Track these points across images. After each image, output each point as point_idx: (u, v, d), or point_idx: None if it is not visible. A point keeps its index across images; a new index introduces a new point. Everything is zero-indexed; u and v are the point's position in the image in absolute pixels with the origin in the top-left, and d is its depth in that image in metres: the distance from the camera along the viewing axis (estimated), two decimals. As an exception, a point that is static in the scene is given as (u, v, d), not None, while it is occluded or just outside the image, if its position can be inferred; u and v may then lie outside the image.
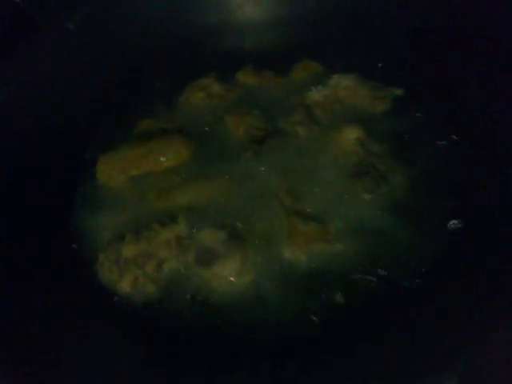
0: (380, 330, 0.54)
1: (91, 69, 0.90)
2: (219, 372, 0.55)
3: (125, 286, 0.66)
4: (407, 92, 0.80)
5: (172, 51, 0.94)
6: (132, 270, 0.66)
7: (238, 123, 0.81)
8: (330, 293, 0.61)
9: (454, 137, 0.72)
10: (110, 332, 0.62)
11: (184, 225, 0.69)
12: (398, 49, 0.84)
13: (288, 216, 0.67)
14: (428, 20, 0.84)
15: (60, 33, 0.93)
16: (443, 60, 0.80)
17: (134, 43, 0.95)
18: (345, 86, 0.81)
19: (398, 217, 0.66)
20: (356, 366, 0.50)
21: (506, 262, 0.52)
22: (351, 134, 0.74)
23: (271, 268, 0.64)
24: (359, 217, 0.67)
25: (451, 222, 0.63)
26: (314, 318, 0.59)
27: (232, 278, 0.64)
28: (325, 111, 0.79)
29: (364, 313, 0.58)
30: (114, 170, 0.79)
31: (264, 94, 0.87)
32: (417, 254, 0.62)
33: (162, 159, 0.78)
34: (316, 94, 0.81)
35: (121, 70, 0.92)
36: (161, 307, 0.64)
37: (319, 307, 0.60)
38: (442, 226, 0.63)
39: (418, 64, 0.81)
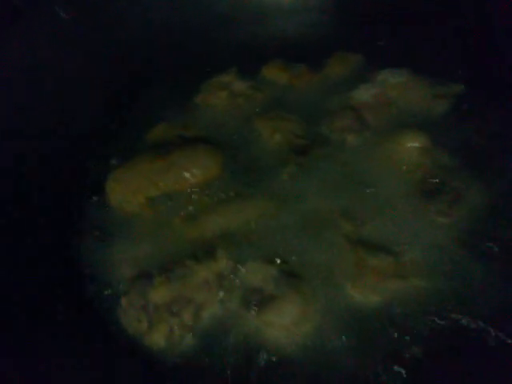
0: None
1: (91, 64, 0.77)
2: None
3: (157, 339, 0.55)
4: (473, 88, 0.69)
5: (184, 43, 0.82)
6: (165, 319, 0.55)
7: (273, 129, 0.71)
8: (409, 342, 0.51)
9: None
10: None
11: (224, 260, 0.58)
12: (452, 40, 0.73)
13: (351, 246, 0.57)
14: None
15: (50, 22, 0.79)
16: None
17: (140, 35, 0.82)
18: (396, 83, 0.71)
19: (484, 246, 0.56)
20: None
21: None
22: (413, 143, 0.64)
23: (336, 312, 0.54)
24: (437, 246, 0.57)
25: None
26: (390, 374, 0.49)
27: (290, 327, 0.53)
28: (376, 114, 0.70)
29: (452, 369, 0.49)
30: (128, 190, 0.67)
31: (298, 94, 0.76)
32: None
33: (186, 175, 0.67)
34: (363, 93, 0.71)
35: (126, 66, 0.80)
36: (201, 364, 0.53)
37: (396, 360, 0.50)
38: None
39: (479, 58, 0.71)
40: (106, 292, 0.61)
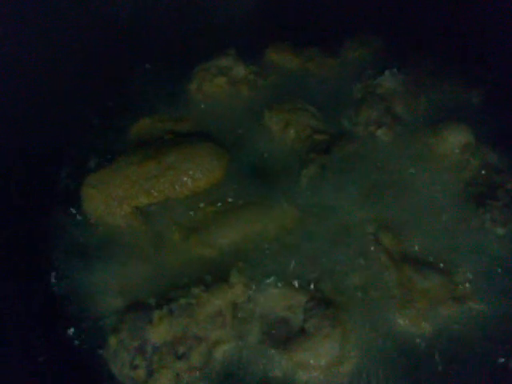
0: None
1: (72, 48, 0.66)
2: None
3: (160, 388, 0.45)
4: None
5: (176, 22, 0.72)
6: (169, 364, 0.45)
7: (286, 123, 0.62)
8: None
9: None
10: None
11: (240, 285, 0.49)
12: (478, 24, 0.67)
13: (395, 264, 0.49)
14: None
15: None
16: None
17: (127, 11, 0.70)
18: (430, 70, 0.63)
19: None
20: None
21: None
22: (456, 138, 0.57)
23: (381, 347, 0.46)
24: (494, 261, 0.49)
25: None
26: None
27: (327, 368, 0.45)
28: (408, 104, 0.61)
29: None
30: (111, 199, 0.57)
31: (312, 81, 0.68)
32: None
33: (185, 179, 0.57)
34: (391, 80, 0.62)
35: (111, 48, 0.68)
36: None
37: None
38: None
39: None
40: (89, 329, 0.50)
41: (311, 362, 0.46)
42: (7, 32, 0.61)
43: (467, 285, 0.50)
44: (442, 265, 0.51)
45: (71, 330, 0.51)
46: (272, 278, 0.51)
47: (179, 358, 0.47)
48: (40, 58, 0.61)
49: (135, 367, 0.48)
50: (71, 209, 0.58)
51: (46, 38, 0.64)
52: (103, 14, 0.67)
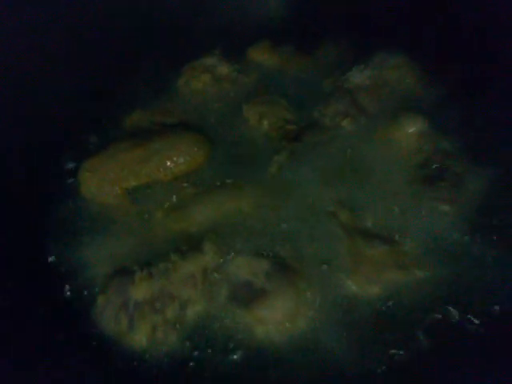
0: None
1: (70, 44, 0.76)
2: None
3: (139, 338, 0.54)
4: (471, 70, 0.70)
5: (165, 21, 0.82)
6: (148, 317, 0.54)
7: (262, 114, 0.71)
8: (408, 334, 0.52)
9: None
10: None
11: (211, 253, 0.58)
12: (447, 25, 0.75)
13: (349, 237, 0.57)
14: None
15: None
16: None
17: (122, 17, 0.81)
18: (393, 66, 0.71)
19: (487, 233, 0.57)
20: None
21: None
22: (411, 127, 0.65)
23: (331, 307, 0.55)
24: (439, 235, 0.58)
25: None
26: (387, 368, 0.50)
27: (282, 323, 0.53)
28: (372, 97, 0.70)
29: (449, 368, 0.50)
30: (105, 181, 0.67)
31: (288, 77, 0.77)
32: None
33: (169, 164, 0.66)
34: (358, 76, 0.71)
35: (104, 47, 0.78)
36: (186, 364, 0.53)
37: (395, 354, 0.50)
38: None
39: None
40: (81, 291, 0.60)
41: (268, 317, 0.55)
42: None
43: (413, 254, 0.58)
44: (390, 237, 0.59)
45: (66, 293, 0.61)
46: (240, 248, 0.60)
47: (156, 312, 0.57)
48: (41, 55, 0.72)
49: (118, 321, 0.57)
50: (68, 189, 0.69)
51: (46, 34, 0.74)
52: (102, 14, 0.78)
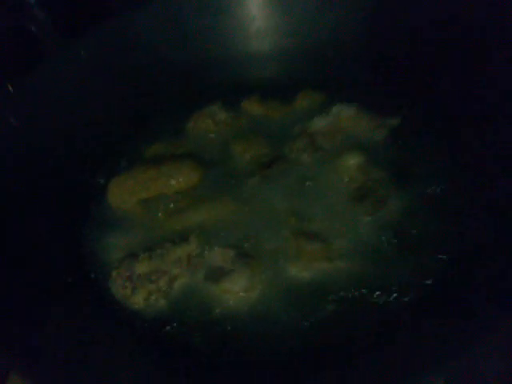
0: (368, 340, 0.66)
1: (103, 96, 1.03)
2: (222, 377, 0.65)
3: (138, 300, 0.76)
4: (404, 122, 0.93)
5: (180, 80, 1.08)
6: (145, 286, 0.77)
7: (245, 149, 0.94)
8: (328, 306, 0.72)
9: (447, 165, 0.85)
10: (122, 343, 0.73)
11: (195, 244, 0.80)
12: (396, 82, 0.98)
13: (294, 236, 0.79)
14: (426, 57, 0.98)
15: (71, 59, 1.07)
16: (440, 97, 0.93)
17: (144, 71, 1.09)
18: (346, 116, 0.94)
19: (394, 238, 0.78)
20: (344, 371, 0.61)
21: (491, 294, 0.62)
22: (352, 161, 0.87)
23: (276, 284, 0.75)
24: (359, 237, 0.78)
25: (441, 249, 0.75)
26: (310, 329, 0.70)
27: (239, 294, 0.75)
28: (327, 139, 0.93)
29: (354, 325, 0.69)
30: (125, 193, 0.91)
31: (269, 122, 1.00)
32: (407, 275, 0.73)
33: (173, 182, 0.90)
34: (319, 123, 0.94)
35: (130, 96, 1.05)
36: (171, 320, 0.75)
37: (317, 319, 0.70)
38: (434, 250, 0.75)
39: (415, 97, 0.95)
40: (101, 267, 0.84)
41: (231, 289, 0.76)
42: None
43: (339, 250, 0.78)
44: (325, 238, 0.80)
45: (90, 268, 0.85)
46: (216, 242, 0.82)
47: (151, 282, 0.79)
48: (80, 101, 1.00)
49: (125, 288, 0.79)
50: (100, 198, 0.94)
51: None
52: (125, 77, 1.07)
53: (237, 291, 0.75)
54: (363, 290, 0.73)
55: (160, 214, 0.88)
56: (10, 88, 1.00)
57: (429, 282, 0.72)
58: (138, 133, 1.03)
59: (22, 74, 1.04)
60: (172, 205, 0.89)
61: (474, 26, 0.93)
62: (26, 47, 1.11)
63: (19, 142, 0.92)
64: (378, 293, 0.72)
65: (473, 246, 0.72)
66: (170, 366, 0.70)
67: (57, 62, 1.06)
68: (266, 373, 0.66)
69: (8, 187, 0.85)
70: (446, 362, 0.54)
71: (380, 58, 1.01)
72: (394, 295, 0.71)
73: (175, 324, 0.74)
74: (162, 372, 0.67)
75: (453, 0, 0.95)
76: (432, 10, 0.99)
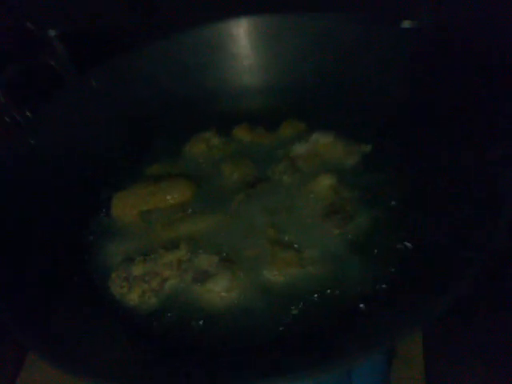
0: (333, 333, 0.76)
1: (111, 121, 1.17)
2: (204, 364, 0.76)
3: (133, 297, 0.87)
4: (375, 149, 1.05)
5: (179, 109, 1.22)
6: (140, 285, 0.88)
7: (233, 170, 1.07)
8: (298, 305, 0.82)
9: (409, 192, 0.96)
10: (119, 332, 0.84)
11: (184, 250, 0.91)
12: (370, 115, 1.11)
13: (271, 246, 0.90)
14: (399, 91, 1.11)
15: (83, 88, 1.21)
16: (407, 130, 1.05)
17: (147, 100, 1.23)
18: (324, 142, 1.07)
19: (358, 250, 0.89)
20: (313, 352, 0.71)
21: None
22: (326, 182, 0.99)
23: (254, 285, 0.86)
24: (328, 247, 0.90)
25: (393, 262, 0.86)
26: (283, 323, 0.80)
27: (221, 293, 0.86)
28: (306, 162, 1.05)
29: (320, 321, 0.80)
30: (127, 206, 1.03)
31: (256, 147, 1.13)
32: (365, 280, 0.84)
33: (168, 197, 1.02)
34: (299, 148, 1.07)
35: (135, 122, 1.19)
36: (161, 315, 0.86)
37: (288, 315, 0.81)
38: (391, 262, 0.86)
39: (385, 127, 1.08)
40: (102, 269, 0.95)
41: (212, 288, 0.87)
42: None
43: (310, 258, 0.89)
44: (298, 248, 0.92)
45: (92, 270, 0.96)
46: (204, 249, 0.93)
47: (145, 282, 0.90)
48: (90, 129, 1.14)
49: (122, 287, 0.90)
50: (104, 210, 1.07)
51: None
52: (131, 106, 1.21)
53: (219, 291, 0.86)
54: (328, 291, 0.83)
55: (156, 225, 0.99)
56: (29, 114, 1.14)
57: (384, 286, 0.82)
58: (141, 154, 1.15)
59: (40, 101, 1.18)
60: (167, 217, 1.00)
61: (444, 62, 1.04)
62: (45, 77, 1.25)
63: (37, 159, 1.05)
64: (337, 292, 0.82)
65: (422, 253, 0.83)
66: (159, 353, 0.80)
67: (71, 90, 1.20)
68: (242, 357, 0.76)
69: (25, 197, 0.97)
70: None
71: (355, 93, 1.14)
72: (354, 293, 0.81)
73: (165, 318, 0.85)
74: (153, 355, 0.78)
75: (423, 38, 1.08)
76: (405, 48, 1.12)
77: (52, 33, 1.45)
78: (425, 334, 1.03)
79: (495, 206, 0.74)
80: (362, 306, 0.80)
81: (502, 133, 0.84)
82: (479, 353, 1.02)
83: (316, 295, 0.83)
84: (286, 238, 0.92)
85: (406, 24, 1.37)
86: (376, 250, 0.89)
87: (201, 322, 0.83)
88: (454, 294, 0.64)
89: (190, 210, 1.02)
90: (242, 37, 1.26)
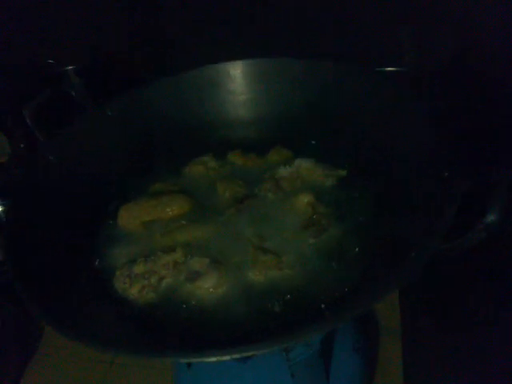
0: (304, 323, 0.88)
1: (121, 145, 1.32)
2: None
3: (133, 292, 0.99)
4: (350, 174, 1.20)
5: (181, 136, 1.37)
6: (140, 282, 1.01)
7: (226, 189, 1.21)
8: (275, 303, 0.95)
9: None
10: (120, 321, 0.96)
11: (180, 254, 1.05)
12: (347, 144, 1.26)
13: (254, 251, 1.04)
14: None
15: (99, 116, 1.37)
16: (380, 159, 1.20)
17: (154, 129, 1.38)
18: (305, 167, 1.21)
19: (329, 256, 1.02)
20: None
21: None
22: (305, 199, 1.13)
23: (238, 284, 0.99)
24: (304, 253, 1.02)
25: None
26: (261, 316, 0.92)
27: (210, 290, 0.99)
28: (289, 183, 1.19)
29: (293, 315, 0.91)
30: (131, 216, 1.17)
31: (247, 170, 1.28)
32: (334, 284, 0.96)
33: (168, 210, 1.16)
34: (283, 171, 1.21)
35: (141, 146, 1.34)
36: (158, 308, 0.98)
37: (268, 310, 0.94)
38: (359, 270, 0.98)
39: (360, 154, 1.23)
40: (108, 269, 1.08)
41: (201, 285, 0.99)
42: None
43: (287, 262, 1.03)
44: (277, 253, 1.05)
45: (99, 270, 1.09)
46: (197, 253, 1.07)
47: (145, 279, 1.03)
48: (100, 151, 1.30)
49: (125, 283, 1.03)
50: (111, 221, 1.21)
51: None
52: (137, 132, 1.37)
53: (207, 288, 0.98)
54: (302, 290, 0.96)
55: (157, 233, 1.13)
56: (51, 136, 1.30)
57: (350, 287, 0.95)
58: (145, 174, 1.28)
59: (60, 127, 1.34)
60: (166, 226, 1.14)
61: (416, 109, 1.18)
62: (65, 106, 1.42)
63: (55, 175, 1.20)
64: (310, 291, 0.95)
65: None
66: (153, 338, 0.92)
67: (89, 117, 1.36)
68: (225, 346, 0.88)
69: (45, 206, 1.11)
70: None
71: (335, 126, 1.30)
72: (324, 293, 0.94)
73: (160, 311, 0.97)
74: (149, 339, 0.90)
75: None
76: (383, 91, 1.27)
77: (70, 67, 1.63)
78: (404, 340, 1.15)
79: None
80: (329, 304, 0.92)
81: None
82: (457, 360, 1.12)
83: (291, 295, 0.95)
84: (268, 245, 1.05)
85: (388, 67, 1.55)
86: (345, 257, 1.01)
87: (190, 314, 0.95)
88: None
89: (186, 221, 1.15)
90: (238, 76, 1.43)
